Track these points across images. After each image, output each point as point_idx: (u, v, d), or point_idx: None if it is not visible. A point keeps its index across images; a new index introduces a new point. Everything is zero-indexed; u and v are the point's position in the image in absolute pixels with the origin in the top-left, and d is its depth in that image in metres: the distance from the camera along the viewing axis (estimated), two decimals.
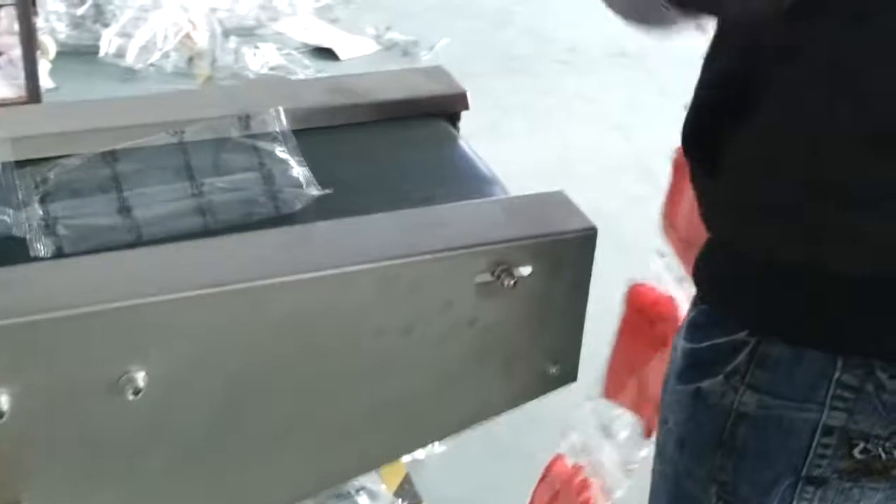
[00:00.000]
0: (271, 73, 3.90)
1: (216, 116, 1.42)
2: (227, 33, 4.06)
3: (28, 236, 1.27)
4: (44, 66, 3.46)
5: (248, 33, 4.11)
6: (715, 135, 0.96)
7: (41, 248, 1.27)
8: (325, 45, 4.08)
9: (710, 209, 1.00)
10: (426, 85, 1.59)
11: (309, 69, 3.92)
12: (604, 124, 3.69)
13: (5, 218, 1.28)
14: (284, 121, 1.41)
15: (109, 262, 1.23)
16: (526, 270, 1.27)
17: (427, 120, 1.56)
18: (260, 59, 3.92)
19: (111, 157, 1.38)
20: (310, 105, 1.50)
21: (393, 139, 1.50)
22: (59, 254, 1.26)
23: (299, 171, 1.35)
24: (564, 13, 4.49)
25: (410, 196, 1.37)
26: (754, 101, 0.92)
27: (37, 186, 1.34)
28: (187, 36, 4.00)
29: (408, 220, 1.30)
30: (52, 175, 1.35)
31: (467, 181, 1.45)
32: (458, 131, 1.59)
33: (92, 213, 1.33)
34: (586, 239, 1.30)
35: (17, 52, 3.34)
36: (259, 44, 4.00)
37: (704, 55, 0.99)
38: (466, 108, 1.60)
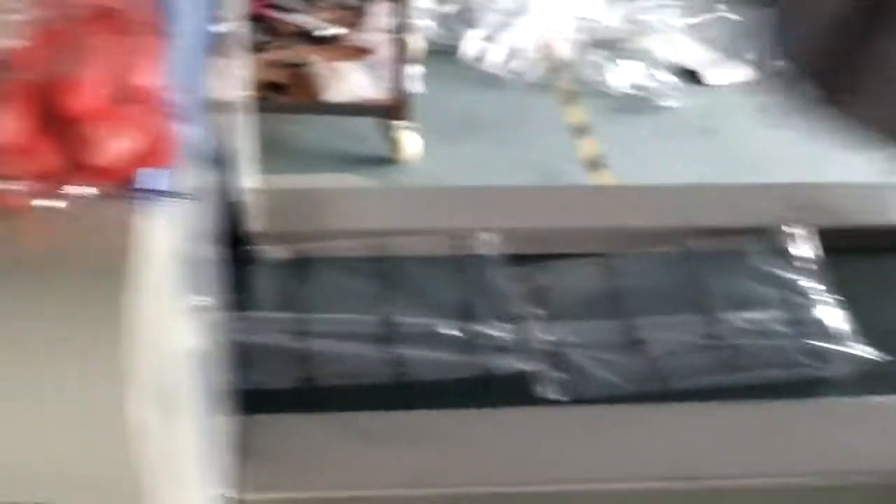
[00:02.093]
0: (633, 91, 3.67)
1: (724, 227, 1.18)
2: (591, 45, 3.86)
3: (532, 368, 1.07)
4: (413, 69, 3.37)
5: (612, 47, 3.89)
6: None
7: (551, 390, 1.07)
8: (692, 66, 3.80)
9: None
10: None
11: (676, 92, 3.66)
12: None
13: (501, 335, 1.09)
14: (819, 245, 1.15)
15: (632, 419, 1.03)
16: None
17: None
18: (625, 76, 3.70)
19: (608, 265, 1.17)
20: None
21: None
22: (572, 398, 1.06)
23: (837, 317, 1.09)
24: None
25: None
26: None
27: (532, 297, 1.14)
28: (550, 45, 3.82)
29: None
30: (545, 283, 1.15)
31: None
32: None
33: (599, 346, 1.12)
34: None
35: (386, 52, 3.26)
36: (621, 60, 3.77)
37: None
38: None
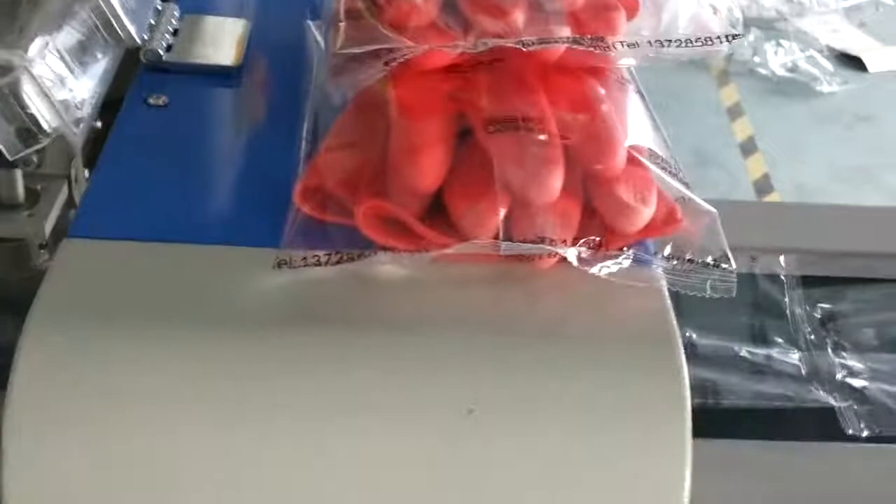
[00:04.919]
0: (789, 75, 3.60)
1: None
2: (746, 24, 3.78)
3: (836, 405, 1.06)
4: None
5: (767, 27, 3.82)
6: None
7: (850, 424, 1.05)
8: (853, 52, 3.71)
9: None
10: None
11: (834, 78, 3.58)
12: None
13: (788, 359, 1.09)
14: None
15: None
16: None
17: None
18: (780, 58, 3.63)
19: None
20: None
21: None
22: (873, 433, 1.05)
23: None
24: None
25: None
26: None
27: (825, 323, 1.12)
28: (705, 22, 3.75)
29: None
30: (843, 309, 1.12)
31: None
32: None
33: None
34: None
35: None
36: (781, 41, 3.70)
37: None
38: None
